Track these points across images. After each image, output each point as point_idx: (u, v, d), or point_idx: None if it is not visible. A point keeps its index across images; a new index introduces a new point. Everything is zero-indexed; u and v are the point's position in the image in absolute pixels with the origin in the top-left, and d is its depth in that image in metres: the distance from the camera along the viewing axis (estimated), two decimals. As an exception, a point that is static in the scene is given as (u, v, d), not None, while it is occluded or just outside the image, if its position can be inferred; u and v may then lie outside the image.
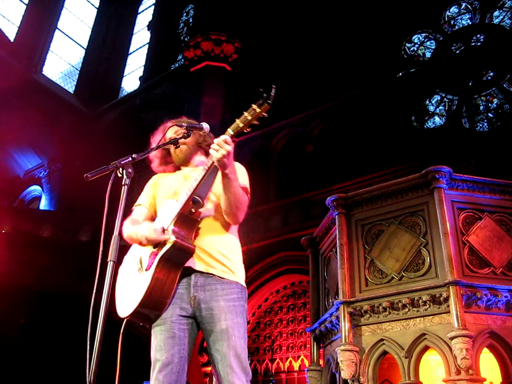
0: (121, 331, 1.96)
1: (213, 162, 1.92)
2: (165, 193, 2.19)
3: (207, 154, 2.19)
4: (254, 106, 1.79)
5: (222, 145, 1.86)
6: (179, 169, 2.29)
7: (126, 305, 1.98)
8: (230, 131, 1.88)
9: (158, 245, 1.99)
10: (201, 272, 2.00)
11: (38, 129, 13.62)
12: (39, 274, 9.83)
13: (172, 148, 2.22)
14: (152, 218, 2.17)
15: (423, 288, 3.61)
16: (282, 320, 9.36)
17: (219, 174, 1.98)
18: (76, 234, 10.58)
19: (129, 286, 2.02)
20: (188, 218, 1.99)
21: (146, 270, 1.97)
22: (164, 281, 1.92)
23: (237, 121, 1.85)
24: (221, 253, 2.04)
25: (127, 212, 1.99)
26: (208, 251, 2.02)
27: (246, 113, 1.82)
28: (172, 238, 1.92)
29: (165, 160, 2.30)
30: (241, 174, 2.15)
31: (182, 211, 1.96)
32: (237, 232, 2.20)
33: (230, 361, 1.90)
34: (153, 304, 1.93)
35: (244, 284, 2.09)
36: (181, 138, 2.10)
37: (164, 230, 1.97)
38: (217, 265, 2.01)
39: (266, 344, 9.22)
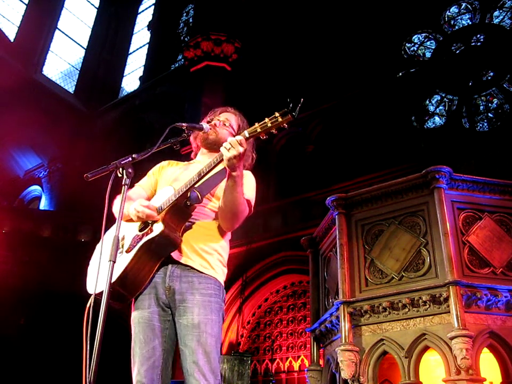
0: (87, 306, 1.74)
1: (220, 160, 1.87)
2: (166, 179, 2.17)
3: None
4: (276, 114, 1.71)
5: (235, 145, 1.80)
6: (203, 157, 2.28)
7: (99, 282, 1.82)
8: (246, 133, 1.82)
9: (144, 228, 1.94)
10: (179, 263, 1.95)
11: (38, 129, 13.60)
12: (39, 274, 9.83)
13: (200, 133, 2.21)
14: (148, 199, 2.10)
15: (423, 288, 3.61)
16: (282, 320, 9.35)
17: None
18: (76, 234, 10.59)
19: (106, 265, 1.95)
20: (181, 210, 1.94)
21: (127, 251, 1.91)
22: (142, 267, 1.88)
23: (256, 125, 1.79)
24: (203, 248, 1.99)
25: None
26: (190, 243, 1.97)
27: (267, 120, 1.75)
28: (160, 227, 1.87)
29: (195, 142, 2.31)
30: (249, 186, 2.12)
31: (177, 201, 1.92)
32: (228, 239, 2.16)
33: (198, 358, 1.82)
34: (126, 286, 1.88)
35: (222, 283, 2.03)
36: (182, 139, 2.05)
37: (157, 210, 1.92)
38: (196, 259, 1.96)
39: (266, 344, 9.21)
